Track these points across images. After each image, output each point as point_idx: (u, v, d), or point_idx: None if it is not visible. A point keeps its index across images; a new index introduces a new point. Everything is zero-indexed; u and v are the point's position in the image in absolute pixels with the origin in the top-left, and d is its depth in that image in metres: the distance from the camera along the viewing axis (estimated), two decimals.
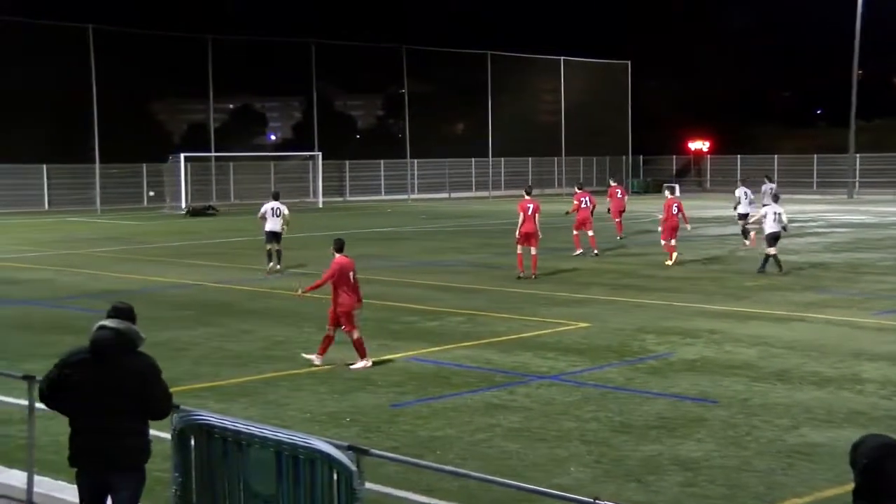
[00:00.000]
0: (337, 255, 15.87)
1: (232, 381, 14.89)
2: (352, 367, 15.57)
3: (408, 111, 73.76)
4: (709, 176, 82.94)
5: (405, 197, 71.49)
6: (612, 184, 39.29)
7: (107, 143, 60.71)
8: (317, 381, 14.81)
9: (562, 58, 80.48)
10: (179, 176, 59.33)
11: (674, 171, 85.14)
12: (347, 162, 72.42)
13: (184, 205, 57.82)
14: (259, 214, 27.78)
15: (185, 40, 65.99)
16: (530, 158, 79.25)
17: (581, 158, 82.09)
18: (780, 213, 27.03)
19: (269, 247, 27.10)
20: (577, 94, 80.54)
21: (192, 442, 7.97)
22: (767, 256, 26.71)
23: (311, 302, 22.36)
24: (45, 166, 61.18)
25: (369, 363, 15.64)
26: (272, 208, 27.15)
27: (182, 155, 60.06)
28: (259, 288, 24.88)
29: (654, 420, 12.59)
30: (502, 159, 77.58)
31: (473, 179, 77.15)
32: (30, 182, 61.05)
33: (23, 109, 59.36)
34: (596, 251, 31.05)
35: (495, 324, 19.60)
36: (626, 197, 39.37)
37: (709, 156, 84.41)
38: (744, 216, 34.49)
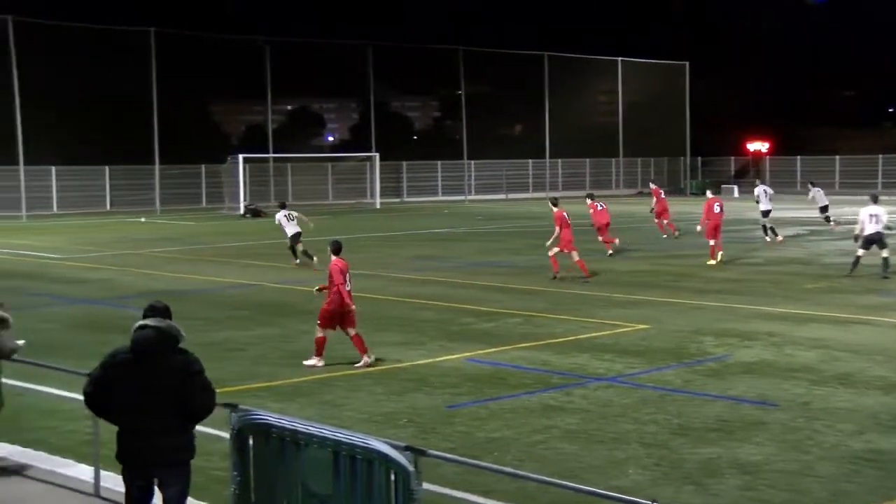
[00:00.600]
0: (333, 258, 16.05)
1: (289, 381, 14.94)
2: (305, 362, 15.93)
3: (465, 112, 73.77)
4: (768, 177, 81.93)
5: (462, 198, 71.51)
6: (653, 186, 40.37)
7: (166, 145, 61.41)
8: (373, 381, 14.82)
9: (619, 59, 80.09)
10: (238, 177, 59.75)
11: (732, 173, 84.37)
12: (405, 163, 72.59)
13: (242, 206, 58.23)
14: (277, 224, 30.32)
15: (244, 42, 66.55)
16: (587, 159, 78.96)
17: (639, 160, 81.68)
18: (877, 215, 25.82)
19: (298, 246, 29.60)
20: (635, 95, 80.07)
21: (251, 441, 8.01)
22: (866, 258, 26.04)
23: (368, 303, 22.45)
24: (106, 168, 62.02)
25: (320, 363, 15.83)
26: (285, 215, 29.86)
27: (240, 156, 60.51)
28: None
29: (712, 423, 12.45)
30: (559, 160, 77.35)
31: (530, 180, 77.01)
32: (92, 183, 61.92)
33: (86, 112, 60.28)
34: (610, 252, 31.27)
35: (552, 325, 19.51)
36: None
37: (768, 157, 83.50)
38: (766, 213, 35.70)
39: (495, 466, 8.61)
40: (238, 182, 59.58)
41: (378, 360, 15.96)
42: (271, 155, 67.20)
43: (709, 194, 30.86)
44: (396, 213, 57.66)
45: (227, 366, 15.71)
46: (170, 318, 7.82)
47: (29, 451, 11.36)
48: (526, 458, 11.11)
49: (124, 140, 61.43)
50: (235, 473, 8.13)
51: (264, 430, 7.92)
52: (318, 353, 15.88)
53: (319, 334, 15.90)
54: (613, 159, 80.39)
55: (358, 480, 7.34)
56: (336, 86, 78.67)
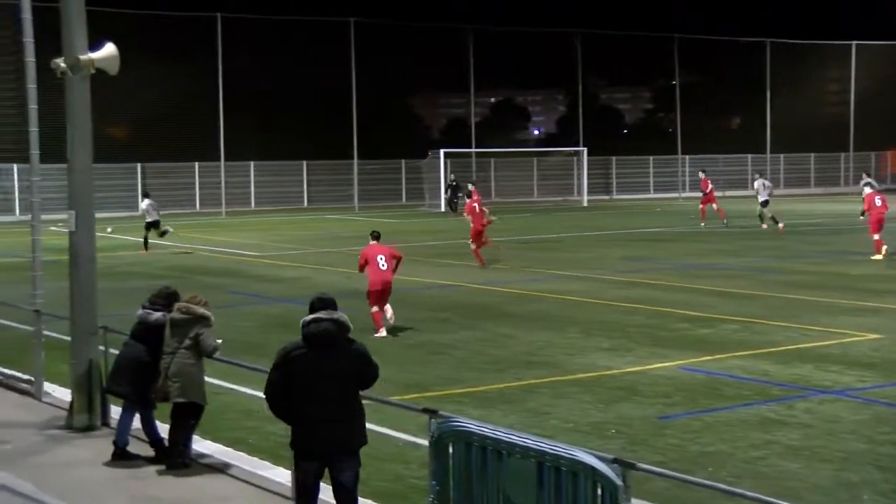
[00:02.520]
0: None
1: (492, 386, 15.05)
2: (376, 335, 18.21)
3: (679, 104, 72.73)
4: None
5: (675, 195, 70.55)
6: (702, 176, 45.11)
7: (365, 139, 62.70)
8: (581, 389, 14.80)
9: (853, 42, 77.16)
10: (439, 172, 60.47)
11: None
12: (614, 158, 72.08)
13: (443, 202, 58.92)
14: (142, 212, 35.18)
15: (446, 32, 67.28)
16: (812, 154, 76.73)
17: (872, 154, 78.68)
18: None
19: (155, 231, 34.42)
20: (870, 82, 76.84)
21: (451, 449, 8.11)
22: None
23: (574, 306, 22.44)
24: (304, 163, 63.82)
25: (384, 334, 18.60)
26: (150, 204, 34.72)
27: (442, 151, 61.22)
28: (520, 290, 25.08)
29: None
30: (781, 155, 75.37)
31: (749, 177, 75.17)
32: (290, 179, 63.85)
33: (284, 106, 62.17)
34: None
35: (772, 332, 19.08)
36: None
37: None
38: (765, 203, 40.62)
39: (710, 482, 8.47)
40: (439, 178, 60.31)
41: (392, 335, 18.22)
42: (473, 149, 67.77)
43: (867, 190, 31.14)
44: (605, 211, 57.35)
45: (429, 370, 15.94)
46: (337, 309, 8.52)
47: (230, 450, 11.92)
48: (743, 474, 10.91)
49: (322, 135, 63.13)
50: (434, 482, 8.25)
51: (465, 438, 8.01)
52: (379, 326, 18.74)
53: (374, 310, 18.82)
54: (842, 154, 77.73)
55: (563, 493, 7.35)
56: (542, 76, 78.83)
